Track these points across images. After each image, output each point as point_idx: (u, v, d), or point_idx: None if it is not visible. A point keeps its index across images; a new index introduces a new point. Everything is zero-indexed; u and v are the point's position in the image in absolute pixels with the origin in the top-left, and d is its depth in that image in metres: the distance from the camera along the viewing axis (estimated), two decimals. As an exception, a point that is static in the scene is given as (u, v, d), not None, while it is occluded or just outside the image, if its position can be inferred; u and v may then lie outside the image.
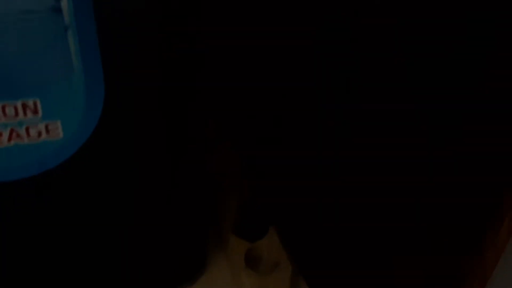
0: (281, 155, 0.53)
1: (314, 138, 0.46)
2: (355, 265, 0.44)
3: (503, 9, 0.33)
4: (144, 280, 0.48)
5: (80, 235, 0.41)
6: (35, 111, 0.32)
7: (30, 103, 0.32)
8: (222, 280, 0.52)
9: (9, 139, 0.33)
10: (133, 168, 0.39)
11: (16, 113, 0.32)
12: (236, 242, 0.52)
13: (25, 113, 0.32)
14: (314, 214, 0.50)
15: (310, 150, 0.48)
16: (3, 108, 0.32)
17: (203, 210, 0.49)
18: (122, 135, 0.36)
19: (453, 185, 0.33)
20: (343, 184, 0.42)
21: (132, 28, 0.32)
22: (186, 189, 0.46)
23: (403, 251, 0.37)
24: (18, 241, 0.40)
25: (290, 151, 0.52)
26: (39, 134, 0.33)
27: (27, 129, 0.33)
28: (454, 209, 0.34)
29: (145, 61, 0.34)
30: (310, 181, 0.48)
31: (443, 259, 0.35)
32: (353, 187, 0.41)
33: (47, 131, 0.33)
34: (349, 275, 0.46)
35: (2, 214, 0.38)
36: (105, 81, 0.32)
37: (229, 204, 0.55)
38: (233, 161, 0.59)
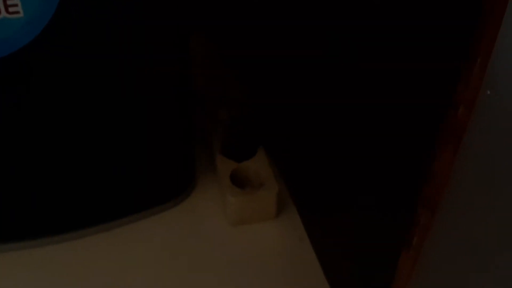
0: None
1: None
2: (343, 187, 0.42)
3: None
4: (140, 193, 0.48)
5: (65, 140, 0.40)
6: (-10, -16, 0.31)
7: (-14, -26, 0.31)
8: (211, 197, 0.51)
9: (-34, 14, 0.32)
10: (110, 62, 0.38)
11: (-29, -15, 0.31)
12: (222, 161, 0.51)
13: (-20, -14, 0.31)
14: (302, 135, 0.48)
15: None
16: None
17: (190, 127, 0.48)
18: (90, 19, 0.35)
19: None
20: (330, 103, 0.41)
21: None
22: (173, 103, 0.45)
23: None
24: None
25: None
26: (-1, 11, 0.32)
27: (-16, 5, 0.32)
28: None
29: None
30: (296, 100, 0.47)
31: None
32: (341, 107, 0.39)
33: (6, 7, 0.32)
34: (337, 197, 0.44)
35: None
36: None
37: (218, 126, 0.53)
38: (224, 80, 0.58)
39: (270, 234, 0.49)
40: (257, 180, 0.51)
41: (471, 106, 0.25)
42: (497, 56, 0.24)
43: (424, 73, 0.28)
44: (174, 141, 0.48)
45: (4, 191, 0.42)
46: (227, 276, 0.45)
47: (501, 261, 0.27)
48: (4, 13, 0.33)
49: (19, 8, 0.33)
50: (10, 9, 0.33)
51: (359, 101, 0.35)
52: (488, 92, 0.25)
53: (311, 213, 0.50)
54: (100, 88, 0.39)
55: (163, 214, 0.50)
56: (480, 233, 0.27)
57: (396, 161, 0.32)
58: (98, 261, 0.45)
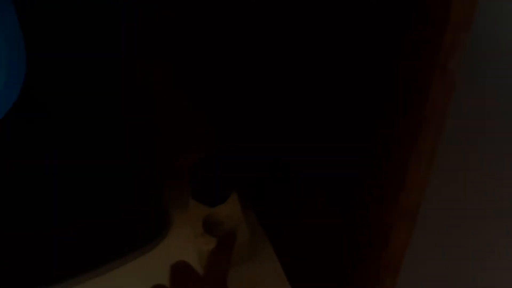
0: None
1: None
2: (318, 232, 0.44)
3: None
4: (112, 242, 0.48)
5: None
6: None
7: None
8: (183, 244, 0.51)
9: None
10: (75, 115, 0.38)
11: None
12: (195, 206, 0.51)
13: None
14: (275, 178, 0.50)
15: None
16: None
17: (155, 170, 0.48)
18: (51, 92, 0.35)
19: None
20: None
21: None
22: (136, 149, 0.45)
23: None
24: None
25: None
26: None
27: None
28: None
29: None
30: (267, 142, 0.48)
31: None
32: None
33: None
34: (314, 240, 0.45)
35: None
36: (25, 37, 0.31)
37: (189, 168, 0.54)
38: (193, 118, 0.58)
39: (246, 276, 0.50)
40: (229, 224, 0.51)
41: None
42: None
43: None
44: (141, 185, 0.48)
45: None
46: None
47: None
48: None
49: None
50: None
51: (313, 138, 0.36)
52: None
53: (287, 250, 0.51)
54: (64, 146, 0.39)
55: (138, 260, 0.50)
56: None
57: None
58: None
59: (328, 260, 0.42)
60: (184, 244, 0.51)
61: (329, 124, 0.38)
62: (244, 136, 0.54)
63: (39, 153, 0.38)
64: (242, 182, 0.54)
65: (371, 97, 0.33)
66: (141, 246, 0.51)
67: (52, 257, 0.45)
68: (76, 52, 0.35)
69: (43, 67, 0.34)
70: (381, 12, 0.30)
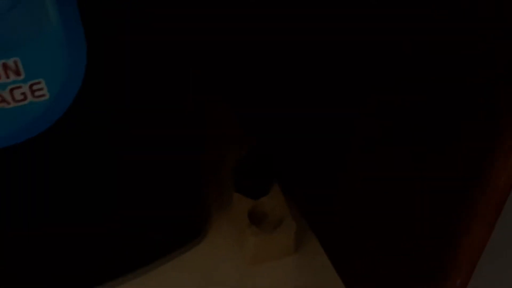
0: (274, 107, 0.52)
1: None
2: (362, 217, 0.43)
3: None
4: (156, 241, 0.48)
5: (73, 200, 0.40)
6: (17, 72, 0.31)
7: (11, 63, 0.31)
8: (225, 240, 0.51)
9: (-6, 102, 0.32)
10: (125, 126, 0.38)
11: (-2, 75, 0.31)
12: (239, 199, 0.51)
13: (7, 75, 0.31)
14: (316, 166, 0.49)
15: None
16: (-17, 70, 0.31)
17: (199, 169, 0.48)
18: (109, 92, 0.35)
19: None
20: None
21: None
22: (182, 148, 0.45)
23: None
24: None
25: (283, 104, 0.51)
26: (25, 96, 0.32)
27: (11, 91, 0.32)
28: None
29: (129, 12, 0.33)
30: (308, 129, 0.47)
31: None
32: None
33: (32, 92, 0.32)
34: (357, 227, 0.45)
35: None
36: (86, 34, 0.31)
37: (230, 163, 0.54)
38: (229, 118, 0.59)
39: (292, 270, 0.50)
40: (273, 217, 0.52)
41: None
42: None
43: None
44: (185, 185, 0.48)
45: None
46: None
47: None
48: (30, 96, 0.33)
49: (45, 91, 0.33)
50: (36, 93, 0.33)
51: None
52: None
53: (332, 240, 0.51)
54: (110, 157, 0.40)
55: (180, 258, 0.50)
56: None
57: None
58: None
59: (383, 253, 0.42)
60: (225, 237, 0.52)
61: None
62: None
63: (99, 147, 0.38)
64: (284, 175, 0.54)
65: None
66: (184, 243, 0.51)
67: (108, 255, 0.45)
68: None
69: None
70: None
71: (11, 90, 0.32)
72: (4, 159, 0.35)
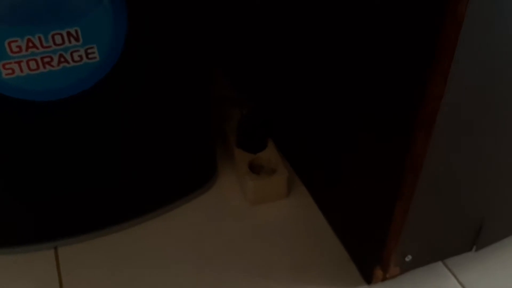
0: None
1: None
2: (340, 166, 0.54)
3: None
4: (176, 185, 0.59)
5: (108, 142, 0.51)
6: (77, 38, 0.42)
7: (73, 31, 0.41)
8: (230, 185, 0.62)
9: (59, 62, 0.42)
10: (157, 87, 0.49)
11: (63, 41, 0.41)
12: (240, 154, 0.62)
13: (69, 40, 0.42)
14: (304, 126, 0.60)
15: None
16: (53, 36, 0.41)
17: (210, 125, 0.59)
18: (144, 58, 0.46)
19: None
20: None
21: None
22: (199, 107, 0.56)
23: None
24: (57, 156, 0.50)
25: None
26: (81, 57, 0.43)
27: (71, 54, 0.42)
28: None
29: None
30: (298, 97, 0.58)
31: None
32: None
33: (87, 54, 0.43)
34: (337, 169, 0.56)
35: (52, 130, 0.47)
36: (127, 9, 0.41)
37: (233, 125, 0.65)
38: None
39: (285, 209, 0.61)
40: (269, 166, 0.62)
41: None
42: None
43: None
44: (199, 139, 0.59)
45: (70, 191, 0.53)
46: (250, 245, 0.57)
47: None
48: (85, 59, 0.43)
49: (96, 54, 0.43)
50: (90, 56, 0.43)
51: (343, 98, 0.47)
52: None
53: (317, 187, 0.62)
54: (143, 109, 0.50)
55: (196, 200, 0.61)
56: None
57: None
58: (152, 240, 0.57)
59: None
60: (230, 183, 0.62)
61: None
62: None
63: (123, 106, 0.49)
64: (277, 133, 0.64)
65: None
66: (199, 186, 0.61)
67: (129, 199, 0.56)
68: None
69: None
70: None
71: (71, 53, 0.42)
72: (63, 107, 0.46)
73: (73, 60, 0.43)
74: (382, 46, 0.41)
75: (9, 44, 0.40)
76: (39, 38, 0.41)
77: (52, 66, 0.42)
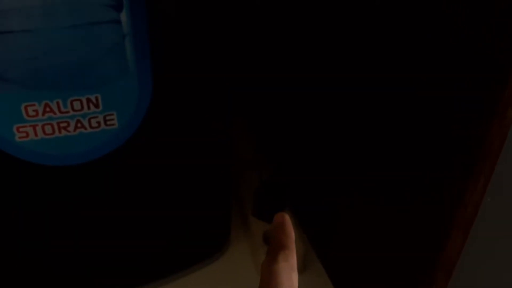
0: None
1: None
2: (365, 246, 0.51)
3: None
4: (185, 253, 0.56)
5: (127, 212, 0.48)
6: (96, 105, 0.40)
7: (93, 98, 0.39)
8: (241, 256, 0.59)
9: (75, 128, 0.40)
10: (177, 154, 0.46)
11: (82, 107, 0.39)
12: (255, 223, 0.59)
13: (88, 107, 0.40)
14: (325, 196, 0.57)
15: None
16: (72, 102, 0.39)
17: (227, 193, 0.56)
18: (165, 127, 0.44)
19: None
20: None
21: (179, 38, 0.40)
22: (215, 176, 0.53)
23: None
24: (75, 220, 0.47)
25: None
26: (99, 124, 0.41)
27: (89, 120, 0.40)
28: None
29: (187, 66, 0.42)
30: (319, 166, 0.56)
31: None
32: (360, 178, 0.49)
33: (105, 121, 0.41)
34: (361, 256, 0.53)
35: (64, 195, 0.45)
36: (153, 80, 0.40)
37: (250, 190, 0.62)
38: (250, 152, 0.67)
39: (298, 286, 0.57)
40: (285, 239, 0.59)
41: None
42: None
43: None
44: (215, 205, 0.56)
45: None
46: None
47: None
48: (103, 125, 0.41)
49: (115, 121, 0.41)
50: (108, 122, 0.41)
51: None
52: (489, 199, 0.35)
53: (334, 264, 0.58)
54: (161, 176, 0.48)
55: (202, 270, 0.58)
56: None
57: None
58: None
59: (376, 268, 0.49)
60: (246, 254, 0.59)
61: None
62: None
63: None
64: (294, 202, 0.61)
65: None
66: (208, 256, 0.58)
67: (139, 264, 0.53)
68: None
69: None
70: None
71: (89, 119, 0.40)
72: (78, 172, 0.43)
73: (90, 126, 0.41)
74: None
75: (25, 107, 0.38)
76: (57, 103, 0.39)
77: (68, 131, 0.40)
